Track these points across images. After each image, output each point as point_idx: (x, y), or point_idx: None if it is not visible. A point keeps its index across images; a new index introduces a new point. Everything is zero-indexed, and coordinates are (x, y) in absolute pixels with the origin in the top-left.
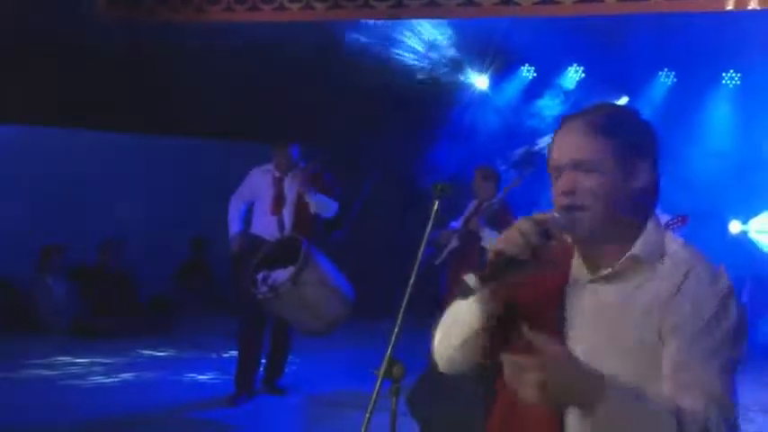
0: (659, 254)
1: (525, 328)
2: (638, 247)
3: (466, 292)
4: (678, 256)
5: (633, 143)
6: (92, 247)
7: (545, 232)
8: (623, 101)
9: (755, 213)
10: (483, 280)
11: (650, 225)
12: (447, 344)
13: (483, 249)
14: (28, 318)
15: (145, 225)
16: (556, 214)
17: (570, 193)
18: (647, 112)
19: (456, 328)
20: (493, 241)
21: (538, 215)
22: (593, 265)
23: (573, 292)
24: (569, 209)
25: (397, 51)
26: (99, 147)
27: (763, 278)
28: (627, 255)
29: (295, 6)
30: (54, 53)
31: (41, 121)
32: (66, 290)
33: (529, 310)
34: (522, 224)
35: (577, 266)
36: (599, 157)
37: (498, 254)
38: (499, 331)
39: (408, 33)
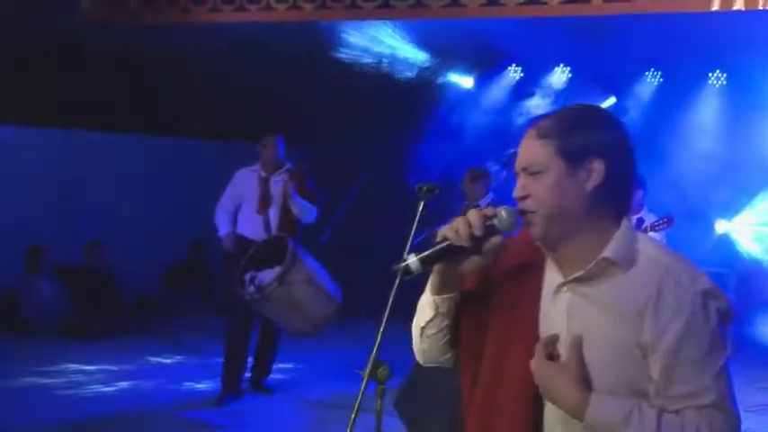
0: (632, 256)
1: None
2: (610, 250)
3: (405, 271)
4: (654, 258)
5: (585, 143)
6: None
7: (490, 227)
8: (610, 101)
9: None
10: (422, 261)
11: (623, 227)
12: (414, 333)
13: None
14: (15, 318)
15: (141, 225)
16: (503, 212)
17: (522, 198)
18: (633, 112)
19: (419, 316)
20: None
21: (488, 209)
22: (565, 267)
23: (548, 294)
24: (522, 213)
25: (385, 53)
26: (92, 147)
27: (749, 277)
28: (599, 257)
29: (282, 7)
30: (50, 54)
31: (36, 122)
32: (54, 290)
33: (504, 309)
34: (471, 215)
35: (550, 268)
36: (545, 159)
37: (443, 239)
38: (468, 322)
39: (398, 34)
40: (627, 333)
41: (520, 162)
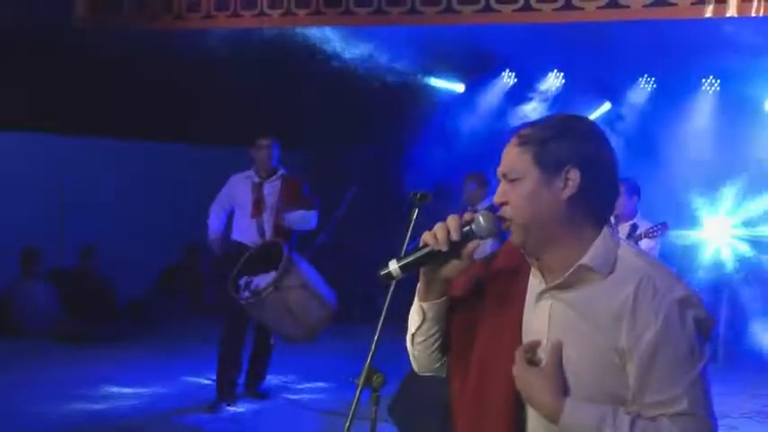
0: (611, 263)
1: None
2: (588, 257)
3: (385, 277)
4: (632, 265)
5: (561, 153)
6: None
7: (469, 232)
8: (605, 107)
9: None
10: (402, 267)
11: (602, 234)
12: (407, 341)
13: None
14: (8, 322)
15: (137, 229)
16: (481, 218)
17: (501, 204)
18: (627, 117)
19: (409, 324)
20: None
21: (467, 214)
22: (547, 274)
23: (530, 300)
24: (502, 219)
25: (378, 58)
26: (87, 151)
27: (743, 284)
28: (576, 264)
29: (276, 13)
30: (47, 58)
31: (32, 126)
32: (49, 294)
33: (491, 313)
34: (449, 219)
35: (534, 275)
36: (522, 167)
37: (424, 244)
38: (458, 328)
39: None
40: (605, 339)
41: (501, 168)
